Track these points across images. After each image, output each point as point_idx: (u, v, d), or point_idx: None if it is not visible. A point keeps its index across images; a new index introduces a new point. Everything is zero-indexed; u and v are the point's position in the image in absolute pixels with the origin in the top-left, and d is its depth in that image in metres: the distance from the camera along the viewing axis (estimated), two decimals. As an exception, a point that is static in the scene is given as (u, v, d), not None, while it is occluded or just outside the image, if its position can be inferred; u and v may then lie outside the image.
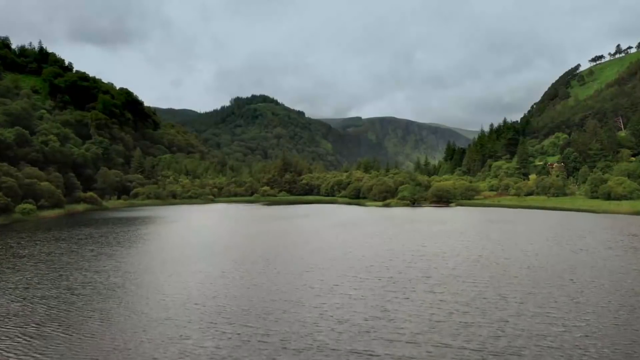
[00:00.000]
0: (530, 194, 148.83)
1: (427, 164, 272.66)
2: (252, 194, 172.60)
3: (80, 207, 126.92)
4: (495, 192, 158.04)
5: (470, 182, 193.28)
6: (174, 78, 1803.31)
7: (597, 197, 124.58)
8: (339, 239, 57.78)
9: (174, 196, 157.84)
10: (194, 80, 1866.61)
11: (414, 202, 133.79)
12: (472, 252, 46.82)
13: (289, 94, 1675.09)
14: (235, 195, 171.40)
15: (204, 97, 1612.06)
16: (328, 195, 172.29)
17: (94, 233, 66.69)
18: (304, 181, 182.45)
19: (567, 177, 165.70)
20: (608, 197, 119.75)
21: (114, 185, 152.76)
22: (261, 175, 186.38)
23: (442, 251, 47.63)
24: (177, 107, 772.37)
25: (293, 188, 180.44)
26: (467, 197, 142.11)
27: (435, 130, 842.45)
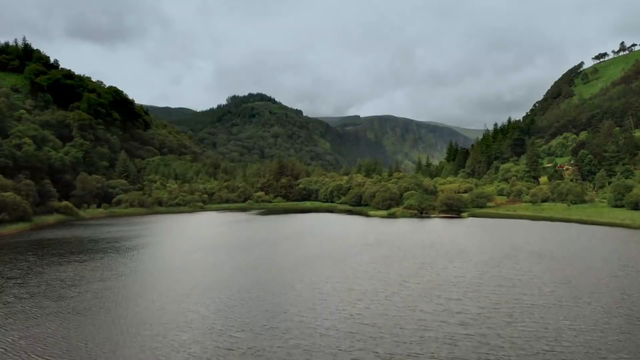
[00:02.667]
0: (544, 200, 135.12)
1: (428, 164, 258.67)
2: (245, 200, 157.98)
3: (52, 218, 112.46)
4: (507, 199, 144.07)
5: (476, 185, 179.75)
6: (173, 76, 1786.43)
7: (622, 206, 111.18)
8: (339, 288, 43.44)
9: (160, 203, 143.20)
10: (193, 78, 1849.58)
11: (421, 212, 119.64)
12: (539, 320, 32.60)
13: (288, 92, 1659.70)
14: (227, 201, 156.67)
15: (203, 96, 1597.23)
16: (327, 202, 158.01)
17: (32, 267, 52.34)
18: (301, 186, 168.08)
19: (583, 181, 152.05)
20: (635, 206, 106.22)
21: (95, 192, 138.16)
22: (255, 179, 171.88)
23: (493, 321, 33.39)
24: (175, 105, 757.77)
25: (289, 193, 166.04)
26: (478, 205, 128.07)
27: (434, 128, 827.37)
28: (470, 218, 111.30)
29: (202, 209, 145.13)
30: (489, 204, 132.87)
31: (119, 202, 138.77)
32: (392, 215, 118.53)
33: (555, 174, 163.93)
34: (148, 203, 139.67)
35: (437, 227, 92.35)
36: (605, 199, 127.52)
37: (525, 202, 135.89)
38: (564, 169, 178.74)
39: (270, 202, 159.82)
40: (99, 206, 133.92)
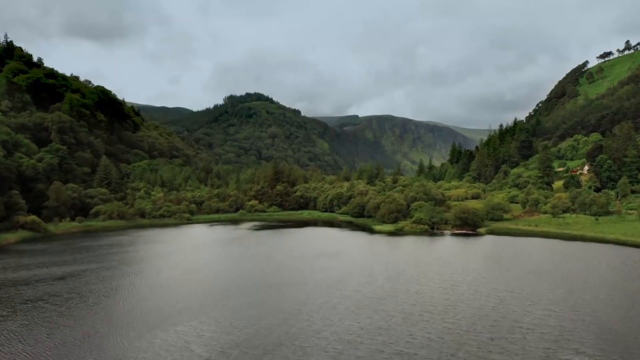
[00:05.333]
0: (564, 210, 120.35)
1: (431, 167, 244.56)
2: (237, 210, 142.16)
3: (14, 236, 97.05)
4: (522, 209, 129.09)
5: (484, 190, 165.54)
6: (171, 75, 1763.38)
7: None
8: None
9: (143, 215, 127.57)
10: (192, 77, 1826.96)
11: (432, 227, 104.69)
12: None
13: (288, 91, 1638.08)
14: (218, 211, 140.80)
15: (202, 95, 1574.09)
16: (326, 211, 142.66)
17: None
18: (298, 193, 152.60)
19: (603, 189, 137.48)
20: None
21: (70, 204, 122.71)
22: (249, 186, 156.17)
23: None
24: (173, 105, 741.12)
25: (285, 202, 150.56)
26: (494, 218, 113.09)
27: (433, 128, 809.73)
28: (489, 236, 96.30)
29: (189, 221, 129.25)
30: (505, 215, 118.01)
31: (96, 214, 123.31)
32: (399, 231, 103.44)
33: (572, 181, 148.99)
34: (129, 215, 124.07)
35: (454, 250, 77.29)
36: (633, 209, 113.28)
37: (544, 213, 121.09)
38: (578, 173, 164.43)
39: (265, 211, 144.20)
40: (73, 219, 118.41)
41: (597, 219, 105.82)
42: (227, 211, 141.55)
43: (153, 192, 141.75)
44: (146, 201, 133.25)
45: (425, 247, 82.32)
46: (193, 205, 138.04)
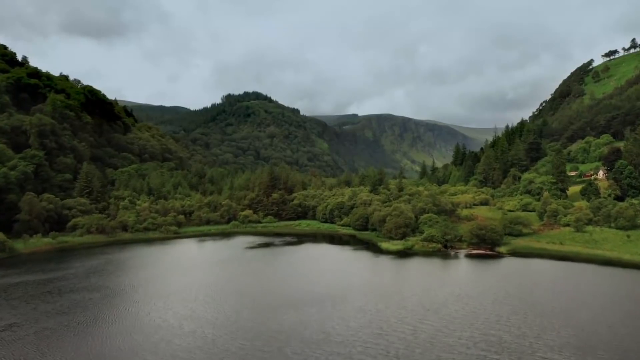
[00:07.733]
0: (587, 222, 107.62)
1: (434, 169, 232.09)
2: (229, 221, 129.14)
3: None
4: (540, 221, 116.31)
5: (493, 196, 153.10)
6: (170, 73, 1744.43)
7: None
8: None
9: (125, 228, 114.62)
10: (191, 76, 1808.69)
11: (445, 246, 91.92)
12: None
13: (288, 90, 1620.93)
14: (208, 222, 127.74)
15: (201, 94, 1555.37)
16: (326, 221, 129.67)
17: None
18: (295, 201, 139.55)
19: (624, 197, 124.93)
20: None
21: (44, 216, 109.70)
22: (242, 194, 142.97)
23: None
24: (172, 104, 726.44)
25: (282, 211, 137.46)
26: (513, 233, 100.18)
27: (432, 127, 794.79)
28: (511, 258, 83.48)
29: (176, 235, 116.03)
30: (524, 229, 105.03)
31: (74, 228, 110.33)
32: (409, 250, 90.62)
33: (590, 188, 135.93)
34: (109, 228, 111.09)
35: (476, 282, 64.40)
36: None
37: (565, 225, 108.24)
38: (592, 178, 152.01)
39: (260, 222, 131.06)
40: (47, 233, 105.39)
41: (628, 236, 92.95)
42: (218, 222, 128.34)
43: (138, 202, 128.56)
44: (130, 212, 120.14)
45: (442, 277, 69.42)
46: (181, 217, 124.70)
